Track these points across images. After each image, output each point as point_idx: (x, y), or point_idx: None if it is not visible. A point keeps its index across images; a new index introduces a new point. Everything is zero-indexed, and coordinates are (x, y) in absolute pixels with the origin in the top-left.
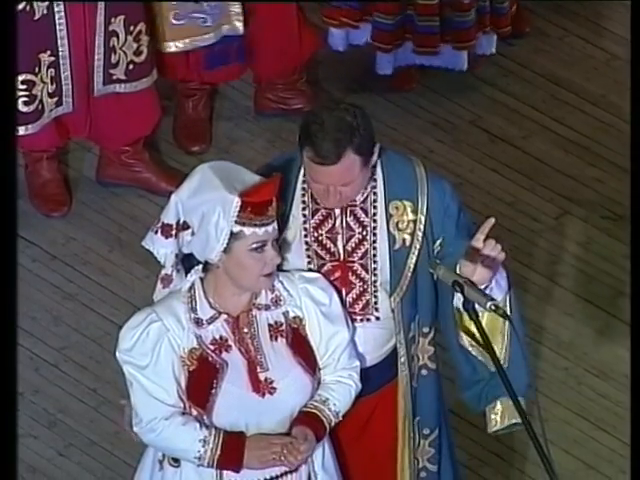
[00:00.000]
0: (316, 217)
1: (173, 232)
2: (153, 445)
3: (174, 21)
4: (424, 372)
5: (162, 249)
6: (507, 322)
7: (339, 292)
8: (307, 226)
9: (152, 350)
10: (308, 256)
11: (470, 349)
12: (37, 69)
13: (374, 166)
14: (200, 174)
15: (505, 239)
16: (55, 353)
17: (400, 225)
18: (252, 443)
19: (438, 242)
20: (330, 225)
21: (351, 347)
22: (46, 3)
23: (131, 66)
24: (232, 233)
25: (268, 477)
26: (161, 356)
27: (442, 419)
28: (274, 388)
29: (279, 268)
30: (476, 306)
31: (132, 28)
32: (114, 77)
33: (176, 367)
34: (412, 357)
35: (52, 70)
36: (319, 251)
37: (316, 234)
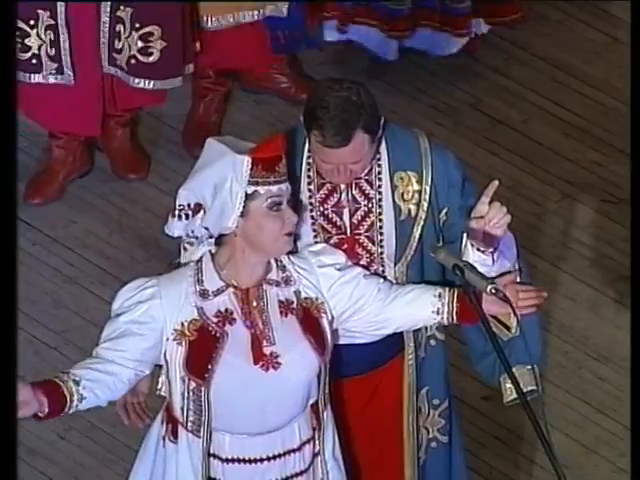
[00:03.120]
0: (321, 192)
1: (182, 213)
2: None
3: None
4: (432, 342)
5: (177, 231)
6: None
7: None
8: (313, 201)
9: (137, 303)
10: (314, 230)
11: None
12: (33, 22)
13: (379, 138)
14: (206, 148)
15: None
16: (55, 336)
17: (405, 196)
18: None
19: (444, 212)
20: (336, 199)
21: (370, 276)
22: None
23: (133, 61)
24: (247, 195)
25: (270, 454)
26: (141, 309)
27: (450, 391)
28: (279, 363)
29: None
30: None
31: (138, 25)
32: (117, 62)
33: (150, 335)
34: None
35: (50, 33)
36: (325, 225)
37: (322, 208)
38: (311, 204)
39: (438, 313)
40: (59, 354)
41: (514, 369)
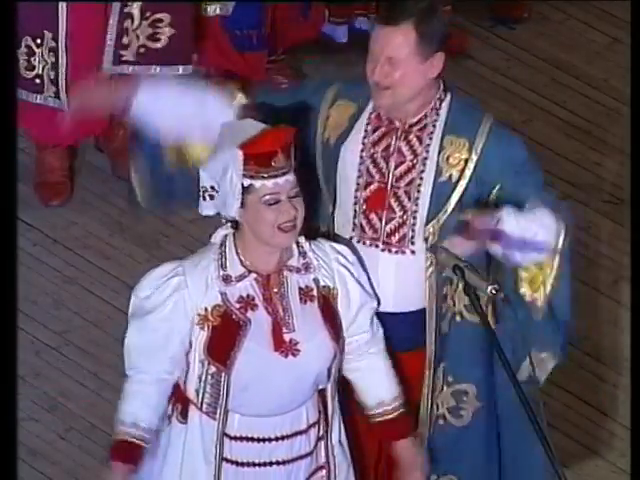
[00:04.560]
0: (376, 134)
1: (206, 194)
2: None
3: None
4: (458, 319)
5: (207, 211)
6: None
7: (379, 217)
8: (366, 141)
9: (165, 299)
10: (359, 170)
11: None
12: (40, 41)
13: (441, 100)
14: (220, 132)
15: None
16: (56, 337)
17: (451, 160)
18: None
19: (495, 189)
20: (387, 144)
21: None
22: None
23: (142, 49)
24: (244, 187)
25: (279, 435)
26: (168, 306)
27: (482, 378)
28: (298, 350)
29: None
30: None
31: (149, 14)
32: (122, 58)
33: (184, 326)
34: (445, 297)
35: (52, 55)
36: (371, 168)
37: (372, 150)
38: (363, 143)
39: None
40: (59, 354)
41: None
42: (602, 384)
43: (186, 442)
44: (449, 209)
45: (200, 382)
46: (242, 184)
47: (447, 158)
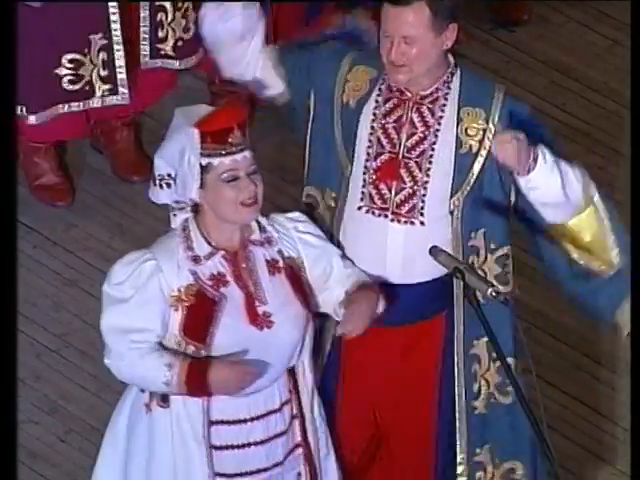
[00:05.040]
0: (387, 105)
1: (162, 183)
2: (121, 376)
3: None
4: (490, 292)
5: (162, 199)
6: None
7: (389, 188)
8: (377, 112)
9: (143, 284)
10: (370, 140)
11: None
12: (86, 49)
13: (452, 73)
14: (174, 118)
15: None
16: (56, 339)
17: (469, 131)
18: (216, 367)
19: (487, 158)
20: (397, 116)
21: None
22: None
23: (180, 43)
24: (202, 166)
25: (254, 415)
26: (148, 292)
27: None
28: (272, 322)
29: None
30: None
31: (180, 4)
32: (162, 52)
33: (163, 308)
34: (471, 267)
35: (104, 54)
36: (382, 138)
37: (383, 121)
38: (374, 114)
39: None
40: (59, 357)
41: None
42: (600, 385)
43: (173, 425)
44: (472, 180)
45: None
46: (200, 164)
47: (466, 130)
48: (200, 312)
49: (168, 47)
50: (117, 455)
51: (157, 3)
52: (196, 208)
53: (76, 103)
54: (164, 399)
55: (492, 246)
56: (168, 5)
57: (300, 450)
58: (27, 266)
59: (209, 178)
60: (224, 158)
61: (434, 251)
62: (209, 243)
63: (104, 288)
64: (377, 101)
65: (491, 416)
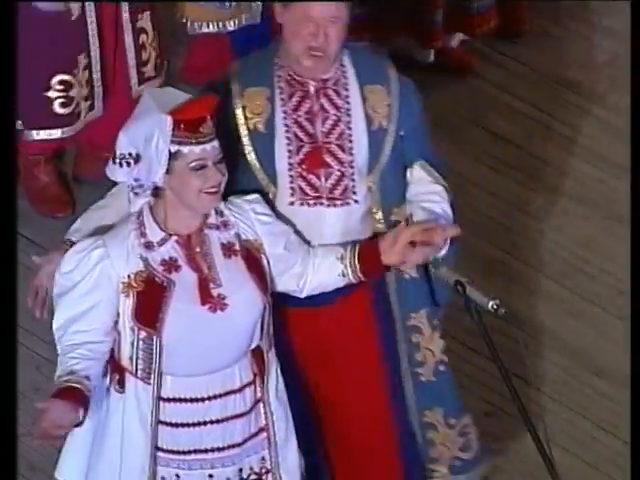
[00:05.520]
0: (293, 99)
1: (123, 161)
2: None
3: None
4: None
5: (120, 177)
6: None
7: (318, 176)
8: (286, 108)
9: (89, 271)
10: (287, 138)
11: None
12: (75, 71)
13: (343, 52)
14: (141, 101)
15: (506, 238)
16: (55, 351)
17: (376, 107)
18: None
19: (401, 133)
20: (308, 106)
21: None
22: (79, 3)
23: (158, 60)
24: (171, 153)
25: (211, 394)
26: (93, 278)
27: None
28: (226, 304)
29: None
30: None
31: (155, 23)
32: (146, 75)
33: (110, 295)
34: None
35: (86, 72)
36: (298, 132)
37: (295, 116)
38: (284, 112)
39: (344, 275)
40: None
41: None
42: (603, 400)
43: (125, 410)
44: (386, 156)
45: (133, 348)
46: (169, 150)
47: (373, 107)
48: (149, 298)
49: (150, 69)
50: (84, 438)
51: (138, 26)
52: (156, 192)
53: (67, 128)
54: (120, 384)
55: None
56: (147, 25)
57: (264, 434)
58: (27, 278)
59: (177, 165)
60: (194, 147)
61: (434, 263)
62: (162, 229)
63: (56, 276)
64: (282, 99)
65: (440, 382)
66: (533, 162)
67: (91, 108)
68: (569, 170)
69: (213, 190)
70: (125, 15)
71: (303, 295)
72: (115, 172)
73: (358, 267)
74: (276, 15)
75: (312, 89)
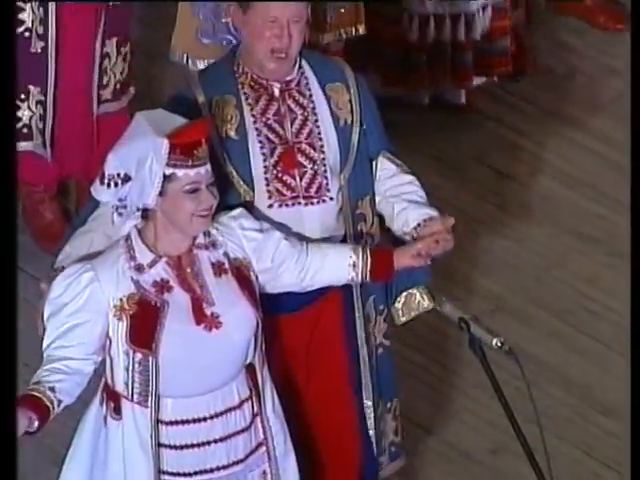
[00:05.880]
0: (260, 103)
1: (112, 182)
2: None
3: (203, 39)
4: (369, 241)
5: (105, 198)
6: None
7: (293, 176)
8: (254, 113)
9: (77, 294)
10: (260, 142)
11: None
12: (24, 96)
13: (300, 55)
14: (134, 123)
15: (511, 276)
16: None
17: (340, 105)
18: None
19: (364, 127)
20: (275, 108)
21: (289, 240)
22: (42, 43)
23: (118, 85)
24: (165, 176)
25: (213, 413)
26: (82, 298)
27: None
28: (220, 322)
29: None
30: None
31: (122, 49)
32: (102, 98)
33: (97, 318)
34: (360, 234)
35: (41, 108)
36: (269, 135)
37: (264, 119)
38: (253, 116)
39: (354, 266)
40: (68, 409)
41: (414, 289)
42: (608, 438)
43: (124, 436)
44: (354, 151)
45: (128, 373)
46: (164, 173)
47: (337, 104)
48: (144, 319)
49: (108, 92)
50: (82, 469)
51: (105, 50)
52: (145, 214)
53: (19, 143)
54: (117, 411)
55: (376, 210)
56: (112, 50)
57: (263, 448)
58: (32, 315)
59: (170, 188)
60: (189, 170)
61: (438, 300)
62: (152, 251)
63: (45, 304)
64: (249, 104)
65: (378, 364)
66: (536, 199)
67: (44, 145)
68: (573, 207)
69: (205, 213)
70: (98, 43)
71: (302, 289)
72: (101, 193)
73: (369, 265)
74: (234, 20)
75: (276, 91)
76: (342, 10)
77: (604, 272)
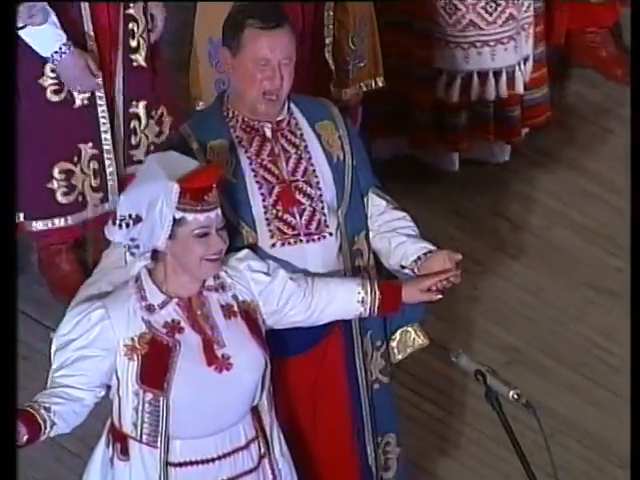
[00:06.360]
0: (254, 145)
1: (123, 223)
2: None
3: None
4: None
5: (118, 238)
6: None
7: (292, 214)
8: (249, 154)
9: (88, 329)
10: (257, 182)
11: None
12: (76, 158)
13: (287, 98)
14: (146, 165)
15: (528, 328)
16: (77, 442)
17: (330, 142)
18: None
19: (354, 163)
20: (269, 149)
21: (295, 279)
22: (87, 94)
23: (152, 147)
24: (175, 220)
25: (221, 453)
26: (92, 335)
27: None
28: (231, 364)
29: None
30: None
31: (154, 113)
32: (134, 159)
33: (105, 355)
34: (358, 269)
35: (95, 163)
36: (266, 175)
37: (259, 160)
38: (249, 158)
39: (363, 302)
40: (81, 460)
41: (409, 327)
42: None
43: (131, 477)
44: (349, 187)
45: (137, 413)
46: (174, 216)
47: (328, 141)
48: (156, 359)
49: (140, 154)
50: None
51: (130, 111)
52: (155, 255)
53: (70, 217)
54: (124, 452)
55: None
56: (141, 112)
57: None
58: (45, 367)
59: (180, 231)
60: (199, 215)
61: (454, 353)
62: (162, 291)
63: (53, 340)
64: (243, 146)
65: (373, 399)
66: (554, 252)
67: (104, 200)
68: (590, 260)
69: (215, 257)
70: (119, 100)
71: (311, 324)
72: (114, 233)
73: (378, 301)
74: (224, 64)
75: (268, 132)
76: (362, 65)
77: (621, 325)
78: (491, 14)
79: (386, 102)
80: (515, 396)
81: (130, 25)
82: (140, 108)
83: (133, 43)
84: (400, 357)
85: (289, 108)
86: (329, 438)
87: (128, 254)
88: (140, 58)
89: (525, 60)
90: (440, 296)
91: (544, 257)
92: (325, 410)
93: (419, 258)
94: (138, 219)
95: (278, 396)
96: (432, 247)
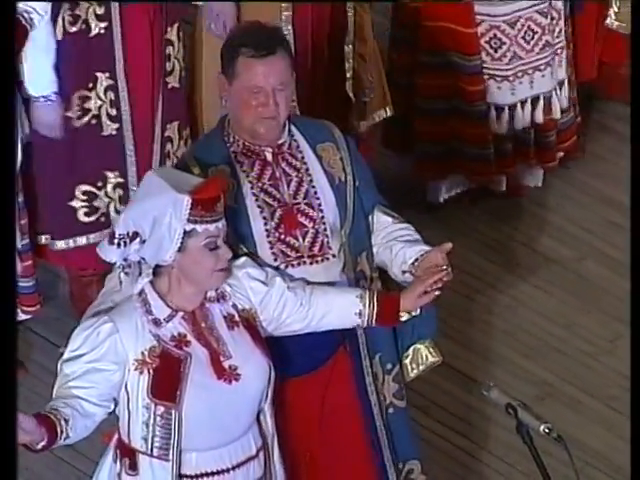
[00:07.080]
0: (255, 169)
1: (121, 241)
2: None
3: None
4: None
5: (114, 258)
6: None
7: (295, 237)
8: (251, 178)
9: (98, 344)
10: (259, 206)
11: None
12: (101, 183)
13: (288, 120)
14: (146, 181)
15: (559, 362)
16: (68, 449)
17: (332, 164)
18: None
19: (357, 184)
20: (270, 172)
21: (292, 288)
22: (116, 125)
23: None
24: (185, 232)
25: (235, 463)
26: (102, 350)
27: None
28: (239, 375)
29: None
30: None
31: (184, 132)
32: None
33: (115, 369)
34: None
35: (120, 191)
36: (267, 199)
37: (260, 184)
38: (250, 182)
39: (360, 315)
40: (70, 467)
41: (419, 344)
42: None
43: None
44: (352, 208)
45: (148, 427)
46: (184, 229)
47: (329, 163)
48: (167, 372)
49: None
50: None
51: (166, 135)
52: (157, 270)
53: (93, 235)
54: (132, 467)
55: (374, 265)
56: (174, 135)
57: None
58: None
59: (190, 243)
60: (209, 225)
61: (485, 387)
62: (167, 305)
63: (62, 357)
64: (244, 171)
65: (389, 424)
66: (585, 285)
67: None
68: (621, 293)
69: (224, 268)
70: (157, 129)
71: (310, 331)
72: (110, 252)
73: (375, 314)
74: (221, 91)
75: (269, 156)
76: (372, 96)
77: None
78: (529, 42)
79: (437, 143)
80: (546, 430)
81: (167, 50)
82: (174, 130)
83: (169, 66)
84: (413, 375)
85: (290, 130)
86: (339, 461)
87: (122, 274)
88: (174, 80)
89: (560, 85)
90: (438, 292)
91: (576, 290)
92: (335, 431)
93: (417, 260)
94: (134, 236)
95: (284, 417)
96: (428, 248)
